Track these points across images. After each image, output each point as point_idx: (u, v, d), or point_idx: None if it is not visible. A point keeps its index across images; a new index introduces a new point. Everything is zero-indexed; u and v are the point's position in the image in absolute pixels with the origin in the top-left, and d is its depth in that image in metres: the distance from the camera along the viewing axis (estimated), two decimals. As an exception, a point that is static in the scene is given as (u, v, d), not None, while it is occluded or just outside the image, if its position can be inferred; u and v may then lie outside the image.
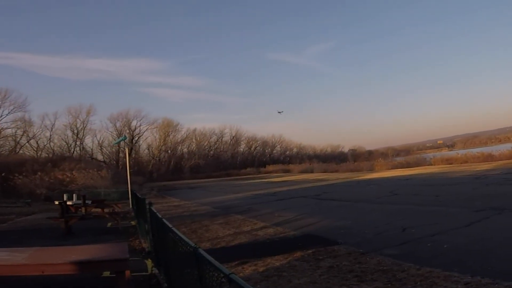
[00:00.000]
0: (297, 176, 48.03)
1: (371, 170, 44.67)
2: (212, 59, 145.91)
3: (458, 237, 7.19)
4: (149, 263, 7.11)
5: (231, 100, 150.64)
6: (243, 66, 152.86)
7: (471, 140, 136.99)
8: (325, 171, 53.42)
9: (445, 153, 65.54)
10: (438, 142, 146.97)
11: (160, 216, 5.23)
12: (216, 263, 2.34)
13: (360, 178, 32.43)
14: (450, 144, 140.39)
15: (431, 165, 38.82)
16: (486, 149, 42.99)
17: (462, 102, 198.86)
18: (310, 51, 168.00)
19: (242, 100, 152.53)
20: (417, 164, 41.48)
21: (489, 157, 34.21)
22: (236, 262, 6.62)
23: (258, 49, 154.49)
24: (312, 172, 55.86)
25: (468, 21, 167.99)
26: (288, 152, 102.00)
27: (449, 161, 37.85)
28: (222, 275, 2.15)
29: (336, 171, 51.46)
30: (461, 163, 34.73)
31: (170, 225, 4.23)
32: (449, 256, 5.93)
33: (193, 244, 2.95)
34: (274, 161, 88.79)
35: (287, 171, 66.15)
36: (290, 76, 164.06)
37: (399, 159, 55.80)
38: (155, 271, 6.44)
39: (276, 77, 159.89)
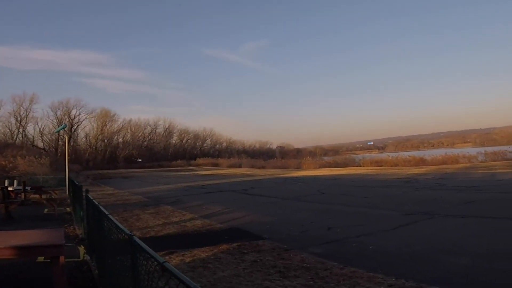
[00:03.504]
0: (225, 170, 51.34)
1: (299, 168, 46.80)
2: (151, 53, 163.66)
3: (384, 239, 7.79)
4: (81, 249, 7.50)
5: (166, 93, 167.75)
6: (179, 61, 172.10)
7: (403, 143, 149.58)
8: (252, 167, 56.59)
9: (375, 155, 70.75)
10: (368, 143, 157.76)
11: (96, 203, 5.54)
12: (151, 251, 2.44)
13: (287, 175, 33.87)
14: (381, 146, 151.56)
15: (360, 166, 41.46)
16: (418, 153, 46.94)
17: (395, 105, 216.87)
18: (245, 48, 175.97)
19: (177, 93, 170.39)
20: (346, 164, 44.14)
21: (421, 162, 37.35)
22: (164, 252, 7.01)
23: (194, 44, 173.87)
24: (240, 167, 59.64)
25: (404, 25, 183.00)
26: (218, 146, 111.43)
27: (379, 163, 40.63)
28: (156, 263, 2.26)
29: (264, 167, 53.91)
30: (392, 166, 37.49)
31: (106, 212, 4.43)
32: (374, 258, 6.41)
33: (128, 232, 3.09)
34: (204, 154, 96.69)
35: (216, 165, 70.66)
36: (224, 72, 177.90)
37: (327, 158, 58.96)
38: (87, 257, 6.87)
39: (211, 72, 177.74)
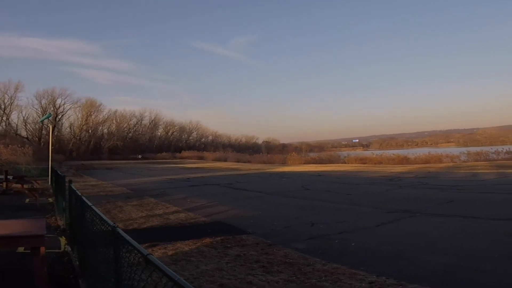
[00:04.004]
0: (210, 164, 51.57)
1: (284, 163, 47.03)
2: (139, 44, 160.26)
3: (367, 236, 7.89)
4: (63, 240, 7.48)
5: (153, 85, 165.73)
6: (167, 53, 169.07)
7: (387, 141, 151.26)
8: (238, 161, 56.87)
9: (360, 152, 71.20)
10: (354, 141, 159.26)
11: (79, 194, 5.51)
12: (135, 243, 2.43)
13: (272, 170, 34.02)
14: (366, 144, 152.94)
15: (345, 163, 41.81)
16: (402, 152, 47.46)
17: (381, 104, 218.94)
18: (234, 42, 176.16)
19: (165, 85, 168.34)
20: (331, 161, 44.45)
21: (405, 160, 37.81)
22: (147, 245, 7.02)
23: (183, 37, 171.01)
24: (225, 161, 59.83)
25: (392, 24, 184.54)
26: (203, 140, 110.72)
27: (363, 160, 41.04)
28: (139, 255, 2.26)
29: (249, 161, 54.22)
30: (376, 164, 37.93)
31: (89, 203, 4.43)
32: (356, 255, 6.49)
33: (112, 223, 3.07)
34: (190, 147, 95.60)
35: (202, 158, 70.69)
36: (213, 65, 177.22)
37: (312, 154, 59.27)
38: (68, 248, 6.87)
39: (199, 65, 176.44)
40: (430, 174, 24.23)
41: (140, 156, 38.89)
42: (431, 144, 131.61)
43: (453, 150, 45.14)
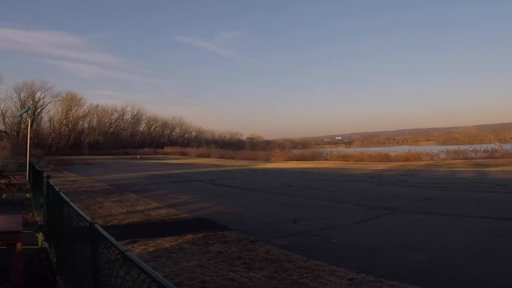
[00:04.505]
0: (194, 160, 51.39)
1: (267, 160, 47.21)
2: (123, 38, 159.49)
3: (347, 233, 7.95)
4: (40, 236, 7.30)
5: (137, 79, 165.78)
6: (153, 47, 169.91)
7: (369, 139, 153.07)
8: (221, 157, 57.04)
9: (343, 149, 72.09)
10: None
11: (57, 189, 5.46)
12: (112, 239, 2.40)
13: (256, 167, 34.09)
14: (348, 141, 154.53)
15: (327, 160, 42.13)
16: (383, 149, 48.10)
17: (363, 102, 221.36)
18: (220, 37, 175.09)
19: (149, 80, 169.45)
20: (314, 158, 44.75)
21: (386, 157, 38.21)
22: (127, 241, 6.96)
23: (169, 31, 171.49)
24: (209, 157, 59.86)
25: (375, 21, 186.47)
26: (187, 135, 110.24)
27: (345, 157, 41.41)
28: (117, 251, 2.23)
29: (233, 158, 54.26)
30: (357, 161, 38.25)
31: (67, 199, 4.38)
32: (337, 251, 6.54)
33: (89, 219, 3.03)
34: (173, 143, 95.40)
35: (185, 154, 70.21)
36: (198, 61, 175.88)
37: (296, 151, 59.61)
38: (46, 245, 6.78)
39: (184, 60, 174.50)
40: (410, 171, 24.58)
41: (139, 157, 37.24)
42: (412, 142, 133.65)
43: (433, 148, 45.95)
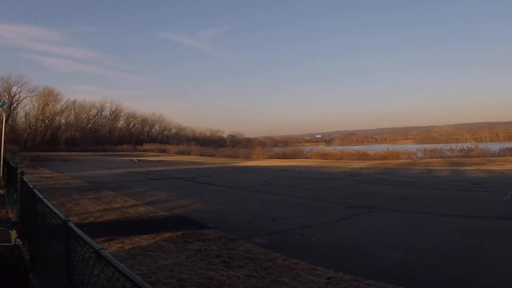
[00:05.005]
0: (173, 157, 51.08)
1: (248, 158, 47.21)
2: (103, 32, 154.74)
3: (326, 231, 8.02)
4: (13, 234, 7.27)
5: (117, 75, 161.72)
6: (133, 43, 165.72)
7: (348, 137, 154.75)
8: (202, 155, 56.71)
9: (323, 148, 72.70)
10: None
11: (31, 186, 5.39)
12: (86, 237, 2.38)
13: (236, 165, 34.04)
14: (328, 139, 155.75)
15: (308, 158, 42.44)
16: (362, 148, 48.73)
17: (344, 100, 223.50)
18: (203, 34, 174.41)
19: (129, 76, 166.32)
20: (294, 156, 45.03)
21: (364, 156, 38.69)
22: (103, 239, 6.88)
23: (151, 27, 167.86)
24: (189, 154, 59.32)
25: (357, 20, 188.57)
26: (166, 132, 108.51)
27: (325, 156, 41.79)
28: (91, 249, 2.21)
29: (213, 155, 54.07)
30: (337, 159, 38.63)
31: (41, 196, 4.33)
32: (315, 250, 6.58)
33: (63, 217, 3.00)
34: (152, 140, 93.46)
35: (164, 151, 69.65)
36: (180, 57, 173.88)
37: (277, 149, 59.81)
38: (19, 242, 6.71)
39: (166, 56, 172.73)
40: (388, 170, 24.94)
41: (136, 160, 35.29)
42: (390, 140, 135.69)
43: (410, 147, 46.68)
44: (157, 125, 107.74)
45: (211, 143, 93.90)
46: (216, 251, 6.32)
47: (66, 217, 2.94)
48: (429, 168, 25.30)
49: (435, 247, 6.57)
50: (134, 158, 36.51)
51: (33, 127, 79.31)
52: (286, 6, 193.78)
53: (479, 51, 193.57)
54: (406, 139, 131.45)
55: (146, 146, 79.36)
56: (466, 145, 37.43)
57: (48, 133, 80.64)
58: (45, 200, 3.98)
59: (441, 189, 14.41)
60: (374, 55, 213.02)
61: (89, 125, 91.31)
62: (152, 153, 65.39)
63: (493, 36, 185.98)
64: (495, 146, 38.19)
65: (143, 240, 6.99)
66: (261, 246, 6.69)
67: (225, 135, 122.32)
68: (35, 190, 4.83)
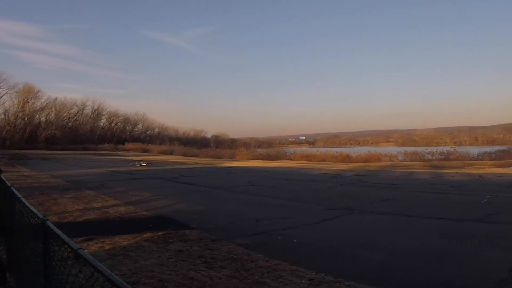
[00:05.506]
0: (156, 157, 50.54)
1: (232, 158, 47.16)
2: (87, 29, 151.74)
3: (309, 233, 8.04)
4: None
5: (101, 73, 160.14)
6: (117, 41, 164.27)
7: (332, 139, 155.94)
8: (185, 155, 56.25)
9: (306, 149, 73.12)
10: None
11: (9, 184, 5.31)
12: (65, 237, 2.34)
13: (220, 165, 33.94)
14: (312, 141, 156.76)
15: (291, 159, 42.57)
16: (345, 150, 49.19)
17: (327, 102, 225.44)
18: (188, 33, 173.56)
19: (113, 74, 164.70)
20: (278, 157, 45.09)
21: (347, 158, 38.94)
22: (82, 238, 6.80)
23: (135, 25, 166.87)
24: (171, 154, 58.75)
25: (343, 22, 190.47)
26: (149, 132, 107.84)
27: (308, 157, 41.96)
28: (69, 249, 2.18)
29: (197, 155, 53.78)
30: (320, 161, 38.81)
31: (18, 195, 4.26)
32: (298, 251, 6.60)
33: (41, 216, 2.95)
34: (134, 139, 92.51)
35: (146, 151, 68.93)
36: (165, 56, 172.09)
37: (261, 150, 59.87)
38: None
39: (150, 55, 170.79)
40: (370, 172, 25.18)
41: (145, 163, 31.90)
42: (372, 143, 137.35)
43: (392, 149, 47.34)
44: (140, 124, 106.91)
45: (195, 143, 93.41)
46: (198, 251, 6.28)
47: (44, 216, 2.88)
48: (410, 170, 25.64)
49: (414, 249, 6.65)
50: (142, 162, 33.49)
51: (12, 125, 77.67)
52: (271, 7, 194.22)
53: (460, 55, 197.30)
54: (387, 141, 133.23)
55: (128, 145, 78.22)
56: (446, 149, 38.05)
57: (27, 131, 78.99)
58: (23, 199, 3.91)
59: (421, 191, 14.62)
60: (358, 58, 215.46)
61: (70, 124, 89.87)
62: (134, 153, 64.57)
63: (474, 40, 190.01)
64: (474, 150, 39.06)
65: (124, 240, 6.90)
66: (244, 247, 6.67)
67: (209, 135, 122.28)
68: (13, 189, 4.74)
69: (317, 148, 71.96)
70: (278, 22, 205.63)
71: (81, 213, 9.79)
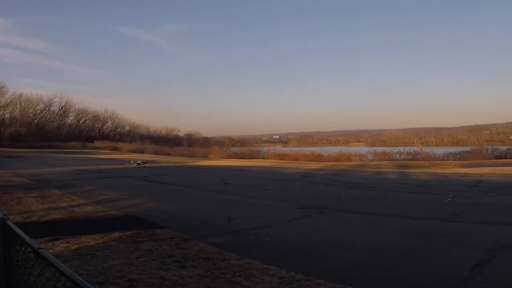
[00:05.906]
0: (126, 155, 49.43)
1: (205, 157, 46.97)
2: (56, 23, 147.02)
3: (280, 231, 8.06)
4: None
5: (69, 68, 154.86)
6: (88, 36, 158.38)
7: (304, 139, 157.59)
8: (156, 153, 55.58)
9: (279, 148, 73.67)
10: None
11: None
12: (26, 236, 2.28)
13: (193, 164, 33.74)
14: (285, 140, 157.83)
15: (264, 158, 42.81)
16: (317, 149, 49.91)
17: (301, 102, 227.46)
18: (162, 30, 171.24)
19: (82, 70, 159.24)
20: (251, 156, 45.28)
21: (319, 157, 39.56)
22: (47, 238, 6.57)
23: (107, 20, 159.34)
24: (142, 152, 58.25)
25: (320, 22, 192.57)
26: (119, 130, 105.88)
27: (281, 156, 42.39)
28: (30, 249, 2.11)
29: (169, 154, 53.18)
30: (293, 160, 39.24)
31: None
32: (269, 250, 6.59)
33: (1, 215, 2.84)
34: (104, 137, 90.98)
35: (116, 149, 67.40)
36: (137, 52, 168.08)
37: (235, 149, 59.92)
38: None
39: (122, 51, 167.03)
40: (340, 171, 25.61)
41: (142, 163, 29.14)
42: (343, 143, 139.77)
43: (362, 149, 48.37)
44: (110, 122, 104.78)
45: (167, 141, 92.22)
46: (168, 251, 6.17)
47: (4, 215, 2.77)
48: (379, 170, 26.20)
49: (383, 247, 6.75)
50: (138, 161, 31.05)
51: (-25, 122, 74.65)
52: (245, 8, 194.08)
53: (428, 57, 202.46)
54: (358, 141, 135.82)
55: (97, 143, 76.54)
56: (413, 149, 39.23)
57: (-10, 128, 76.22)
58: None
59: (389, 190, 14.94)
60: (331, 59, 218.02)
61: (36, 121, 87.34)
62: (104, 151, 63.22)
63: (441, 42, 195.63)
64: (439, 150, 40.36)
65: (91, 240, 6.72)
66: (216, 246, 6.60)
67: (182, 133, 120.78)
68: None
69: (290, 148, 72.59)
70: (250, 23, 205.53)
71: (46, 212, 9.49)
